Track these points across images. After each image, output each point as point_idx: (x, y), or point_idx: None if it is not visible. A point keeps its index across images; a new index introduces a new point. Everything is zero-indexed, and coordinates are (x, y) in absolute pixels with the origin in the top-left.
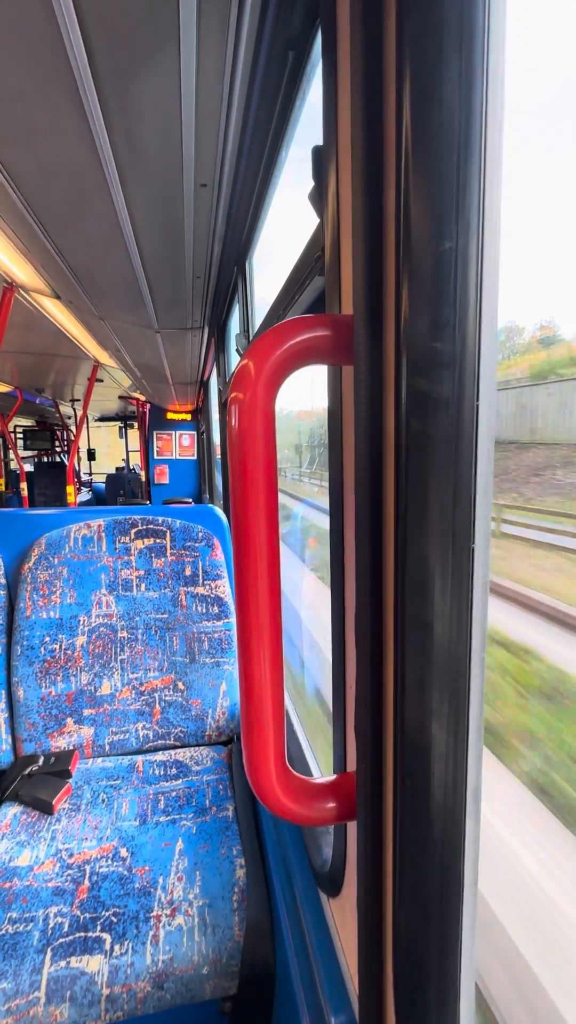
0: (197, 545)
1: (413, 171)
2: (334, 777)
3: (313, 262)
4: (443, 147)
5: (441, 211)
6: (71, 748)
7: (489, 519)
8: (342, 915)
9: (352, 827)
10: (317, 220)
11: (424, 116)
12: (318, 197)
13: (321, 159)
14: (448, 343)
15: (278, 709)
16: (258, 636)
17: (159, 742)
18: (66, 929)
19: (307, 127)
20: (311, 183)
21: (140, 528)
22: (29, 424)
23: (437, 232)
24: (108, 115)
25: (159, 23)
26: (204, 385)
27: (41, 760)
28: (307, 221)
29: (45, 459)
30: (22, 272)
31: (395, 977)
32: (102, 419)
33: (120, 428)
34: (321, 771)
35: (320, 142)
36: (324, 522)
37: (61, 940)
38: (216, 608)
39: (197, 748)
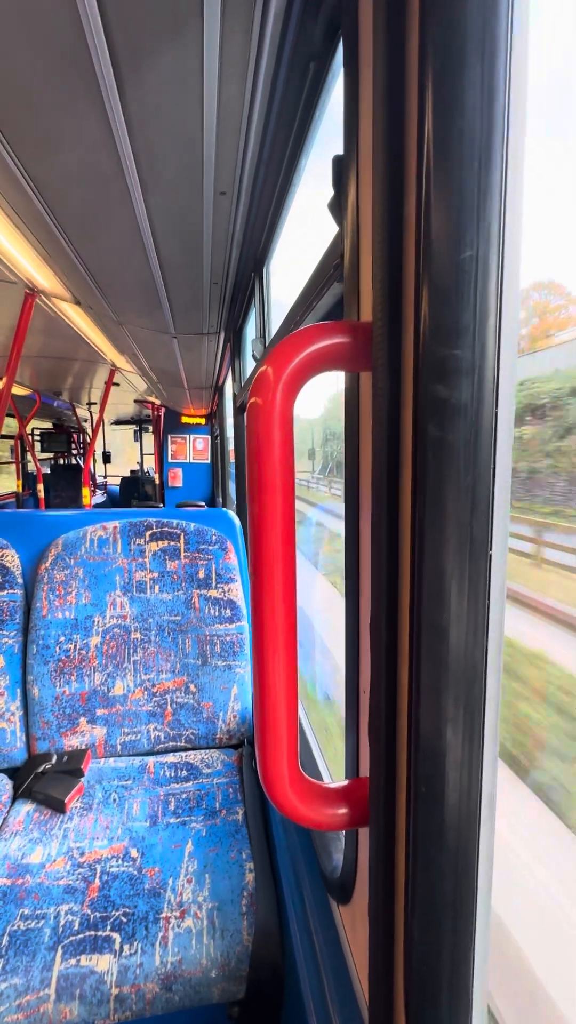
0: (211, 548)
1: (434, 179)
2: (347, 782)
3: (332, 269)
4: (464, 155)
5: (462, 219)
6: (84, 747)
7: (507, 526)
8: (352, 922)
9: (364, 833)
10: (335, 229)
11: (446, 124)
12: (338, 206)
13: (341, 168)
14: (467, 350)
15: (292, 713)
16: (273, 640)
17: (170, 744)
18: (76, 927)
19: (326, 137)
20: (329, 191)
21: (155, 530)
22: (47, 427)
23: (457, 240)
24: (131, 124)
25: (182, 32)
26: (219, 390)
27: (54, 759)
28: (324, 229)
29: (62, 461)
30: (44, 278)
31: (406, 986)
32: (118, 422)
33: (135, 432)
34: (331, 776)
35: (340, 151)
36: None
37: (72, 938)
38: (228, 611)
39: (208, 751)
